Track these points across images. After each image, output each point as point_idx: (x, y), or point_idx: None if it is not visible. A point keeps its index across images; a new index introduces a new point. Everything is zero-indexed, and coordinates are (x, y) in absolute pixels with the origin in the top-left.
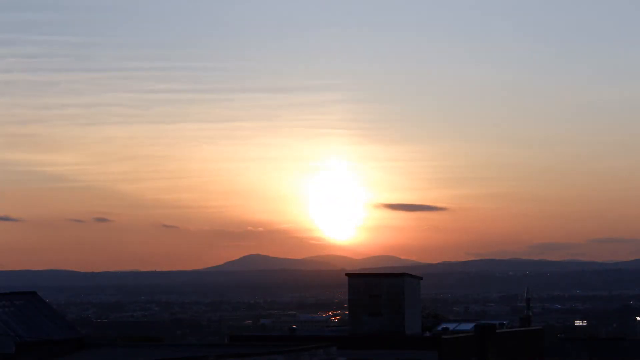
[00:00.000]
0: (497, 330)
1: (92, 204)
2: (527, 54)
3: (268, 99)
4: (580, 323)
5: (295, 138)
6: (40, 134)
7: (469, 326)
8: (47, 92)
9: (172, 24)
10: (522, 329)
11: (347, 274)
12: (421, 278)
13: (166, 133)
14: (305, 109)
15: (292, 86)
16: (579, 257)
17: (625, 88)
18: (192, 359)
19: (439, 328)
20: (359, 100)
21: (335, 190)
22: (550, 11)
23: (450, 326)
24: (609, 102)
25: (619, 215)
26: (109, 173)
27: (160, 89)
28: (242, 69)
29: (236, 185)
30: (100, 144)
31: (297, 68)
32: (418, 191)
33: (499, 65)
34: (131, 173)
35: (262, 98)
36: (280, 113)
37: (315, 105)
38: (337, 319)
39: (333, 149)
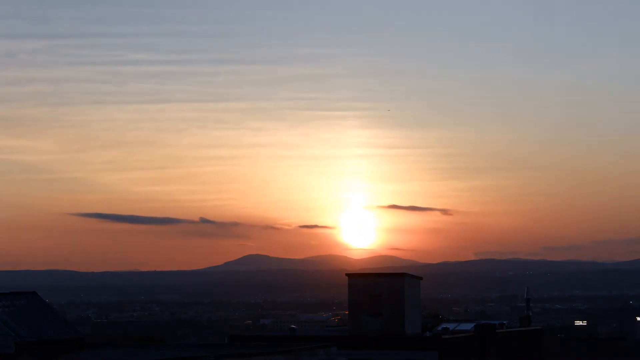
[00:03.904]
0: (497, 330)
1: (75, 198)
2: (541, 45)
3: (259, 72)
4: (580, 323)
5: (291, 121)
6: (5, 116)
7: (469, 326)
8: (5, 64)
9: None
10: (522, 329)
11: (347, 274)
12: (421, 278)
13: (149, 115)
14: (302, 85)
15: (287, 57)
16: (579, 257)
17: (630, 88)
18: (192, 359)
19: (439, 328)
20: (363, 75)
21: (336, 186)
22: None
23: (450, 326)
24: (611, 101)
25: (619, 215)
26: (90, 163)
27: (135, 60)
28: (228, 34)
29: (230, 175)
30: (76, 128)
31: (292, 35)
32: (419, 184)
33: (512, 53)
34: (115, 163)
35: (251, 71)
36: (274, 90)
37: (314, 80)
38: (337, 319)
39: (333, 136)
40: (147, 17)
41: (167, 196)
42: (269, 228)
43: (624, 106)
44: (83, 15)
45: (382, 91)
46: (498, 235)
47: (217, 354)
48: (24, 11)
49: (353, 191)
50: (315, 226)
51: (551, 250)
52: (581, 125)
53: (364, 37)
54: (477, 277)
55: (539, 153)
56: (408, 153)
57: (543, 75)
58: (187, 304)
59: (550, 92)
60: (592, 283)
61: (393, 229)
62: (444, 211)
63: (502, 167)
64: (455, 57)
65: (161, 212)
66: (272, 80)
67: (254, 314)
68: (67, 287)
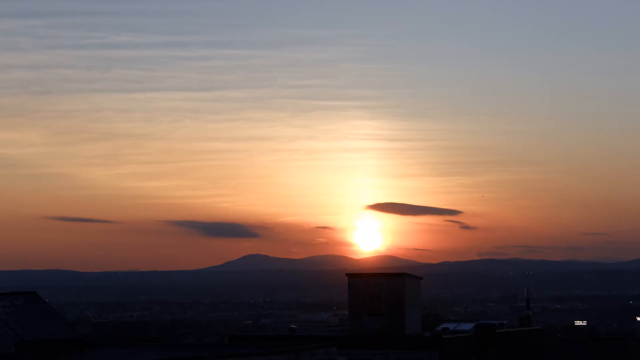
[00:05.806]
0: (497, 330)
1: (64, 194)
2: (555, 38)
3: (255, 56)
4: (580, 323)
5: (291, 112)
6: None
7: (469, 326)
8: None
9: None
10: (522, 329)
11: (347, 274)
12: (421, 278)
13: (139, 105)
14: (303, 71)
15: (286, 39)
16: (579, 257)
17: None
18: (192, 359)
19: (439, 328)
20: (368, 61)
21: (337, 182)
22: None
23: (450, 326)
24: (613, 99)
25: (620, 215)
26: (78, 157)
27: (119, 43)
28: (221, 13)
29: (226, 170)
30: (63, 119)
31: (292, 16)
32: (421, 180)
33: (515, 47)
34: (104, 157)
35: (247, 55)
36: (273, 76)
37: (316, 66)
38: (337, 319)
39: (334, 128)
40: None
41: (164, 193)
42: (269, 227)
43: (624, 105)
44: None
45: (388, 78)
46: (498, 235)
47: (217, 354)
48: None
49: (354, 188)
50: (316, 225)
51: (551, 250)
52: (581, 125)
53: (365, 17)
54: (477, 277)
55: (541, 152)
56: (410, 147)
57: (548, 70)
58: (187, 304)
59: (553, 88)
60: (592, 283)
61: (394, 228)
62: (446, 211)
63: (503, 165)
64: (458, 50)
65: (160, 211)
66: (269, 66)
67: (254, 314)
68: (67, 287)
